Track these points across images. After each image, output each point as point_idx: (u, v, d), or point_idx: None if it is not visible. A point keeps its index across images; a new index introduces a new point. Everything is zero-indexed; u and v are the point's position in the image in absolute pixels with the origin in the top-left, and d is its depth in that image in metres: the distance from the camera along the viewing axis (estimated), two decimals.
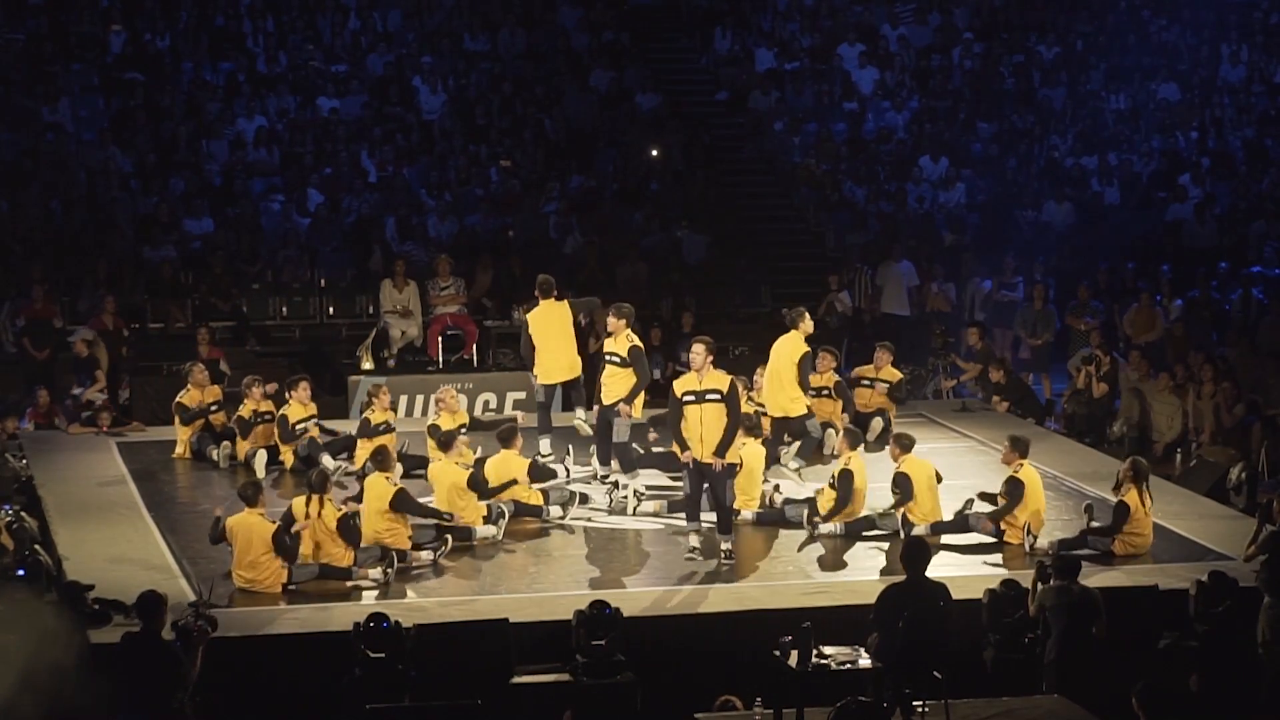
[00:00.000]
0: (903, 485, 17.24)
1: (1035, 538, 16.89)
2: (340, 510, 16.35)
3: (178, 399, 20.66)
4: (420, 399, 23.60)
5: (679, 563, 16.75)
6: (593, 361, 19.92)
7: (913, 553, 13.66)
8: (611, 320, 18.74)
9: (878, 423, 20.57)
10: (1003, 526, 17.12)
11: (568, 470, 19.03)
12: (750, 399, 19.74)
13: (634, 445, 18.95)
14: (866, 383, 21.12)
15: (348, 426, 20.62)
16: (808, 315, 19.38)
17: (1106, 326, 25.72)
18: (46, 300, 24.77)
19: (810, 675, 13.19)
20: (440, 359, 24.94)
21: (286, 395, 19.94)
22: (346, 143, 29.19)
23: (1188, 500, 19.20)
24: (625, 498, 18.40)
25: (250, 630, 14.84)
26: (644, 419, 19.37)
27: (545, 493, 18.17)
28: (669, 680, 14.65)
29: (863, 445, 18.33)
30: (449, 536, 16.96)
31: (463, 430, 18.80)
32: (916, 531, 16.98)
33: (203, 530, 17.58)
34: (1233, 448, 21.03)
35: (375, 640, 14.13)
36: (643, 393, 18.68)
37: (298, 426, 19.65)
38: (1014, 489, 17.02)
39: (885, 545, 17.17)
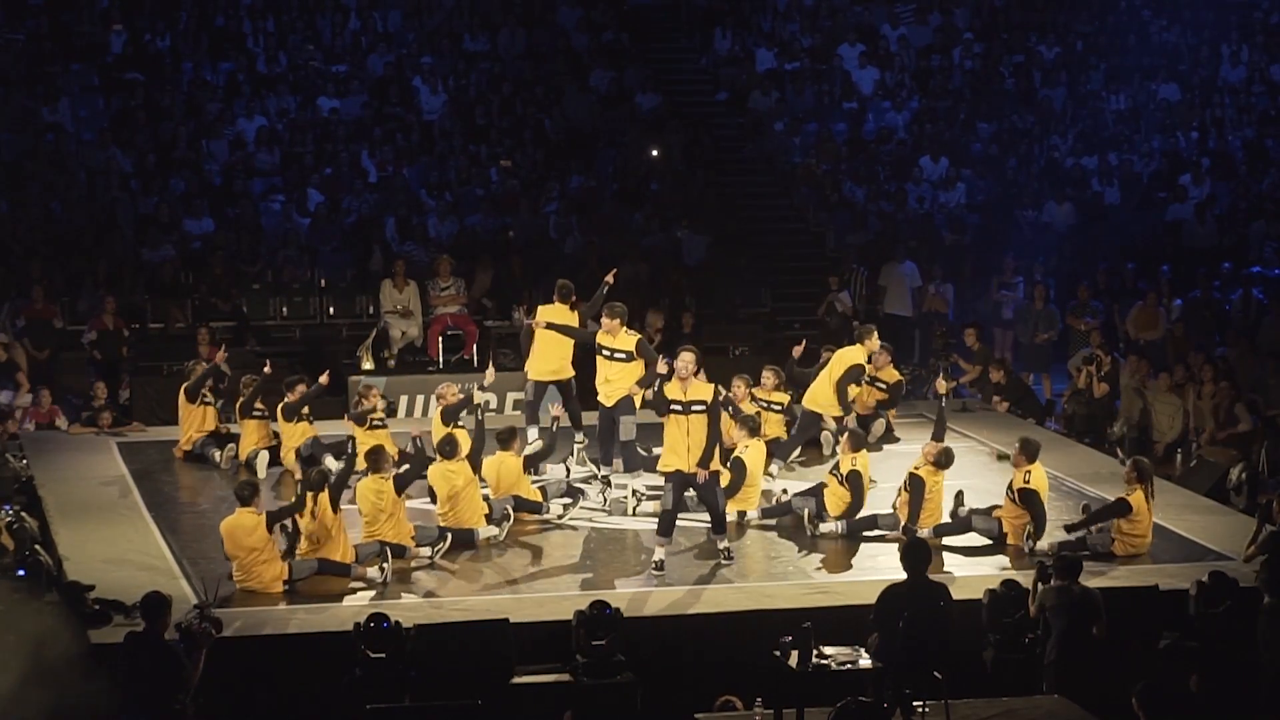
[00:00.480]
0: (915, 488, 17.29)
1: (1035, 542, 16.88)
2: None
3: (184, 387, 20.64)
4: (420, 399, 23.61)
5: (680, 563, 16.76)
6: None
7: (913, 553, 13.66)
8: (605, 320, 18.81)
9: (880, 425, 20.58)
10: (1005, 528, 17.14)
11: (568, 469, 19.06)
12: (753, 396, 19.79)
13: (639, 446, 18.95)
14: (865, 381, 21.13)
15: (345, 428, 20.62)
16: (875, 333, 20.11)
17: (1106, 326, 25.73)
18: (46, 300, 24.79)
19: (810, 675, 13.19)
20: (440, 359, 24.93)
21: (285, 395, 19.91)
22: (347, 143, 29.20)
23: (1188, 500, 19.21)
24: (624, 498, 18.44)
25: (251, 630, 14.85)
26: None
27: (544, 489, 18.16)
28: (669, 680, 14.66)
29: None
30: (449, 534, 16.97)
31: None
32: (921, 534, 17.00)
33: (203, 530, 17.62)
34: (1233, 448, 21.03)
35: (376, 640, 14.14)
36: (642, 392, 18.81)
37: (303, 410, 19.62)
38: (1030, 500, 17.01)
39: (887, 545, 17.18)
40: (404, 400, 23.47)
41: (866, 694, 12.93)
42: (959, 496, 17.67)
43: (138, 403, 23.54)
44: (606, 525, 18.01)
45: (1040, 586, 14.59)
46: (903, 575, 13.66)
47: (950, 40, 32.96)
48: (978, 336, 24.68)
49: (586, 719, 14.18)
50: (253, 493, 16.10)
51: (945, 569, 16.32)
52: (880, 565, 16.62)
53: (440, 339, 25.08)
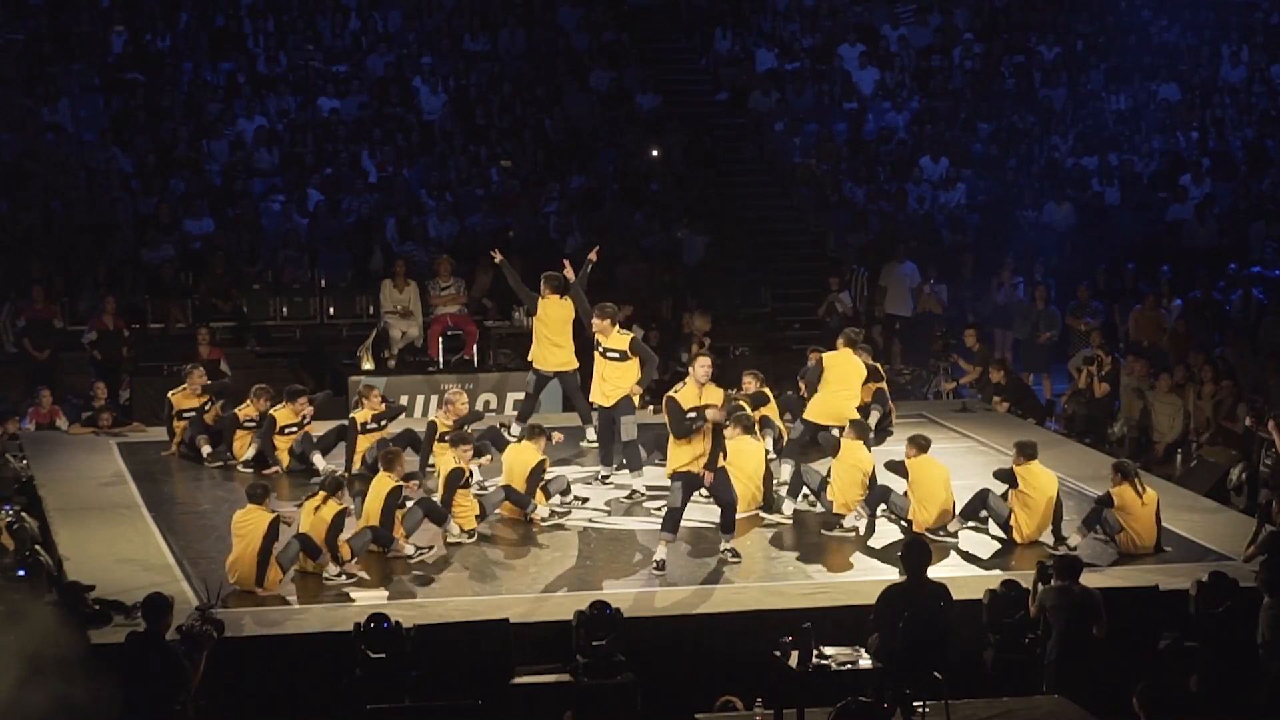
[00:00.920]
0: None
1: (1064, 540, 17.02)
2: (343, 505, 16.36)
3: (170, 394, 20.70)
4: (421, 399, 23.62)
5: (680, 563, 16.75)
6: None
7: (913, 553, 13.66)
8: (596, 321, 18.85)
9: (875, 411, 20.50)
10: (1012, 523, 17.18)
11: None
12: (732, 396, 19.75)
13: (641, 445, 18.95)
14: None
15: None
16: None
17: (1107, 326, 25.74)
18: (47, 301, 24.80)
19: (811, 676, 13.18)
20: (441, 359, 24.93)
21: (283, 401, 19.91)
22: (347, 143, 29.21)
23: (1188, 500, 19.21)
24: (627, 498, 18.48)
25: (251, 631, 14.85)
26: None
27: (546, 487, 18.12)
28: (669, 681, 14.66)
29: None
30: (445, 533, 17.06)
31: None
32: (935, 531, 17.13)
33: (203, 530, 17.63)
34: (1233, 448, 21.03)
35: (375, 640, 14.14)
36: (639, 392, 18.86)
37: (286, 429, 19.65)
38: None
39: (887, 545, 17.20)
40: (404, 400, 23.46)
41: (867, 694, 12.92)
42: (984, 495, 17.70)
43: (138, 403, 23.55)
44: (606, 525, 18.01)
45: (1040, 587, 14.58)
46: (903, 575, 13.68)
47: (950, 40, 32.97)
48: (978, 337, 24.68)
49: (587, 719, 14.18)
50: (264, 493, 16.13)
51: (946, 569, 16.32)
52: (880, 565, 16.62)
53: (440, 339, 25.07)
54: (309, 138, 29.24)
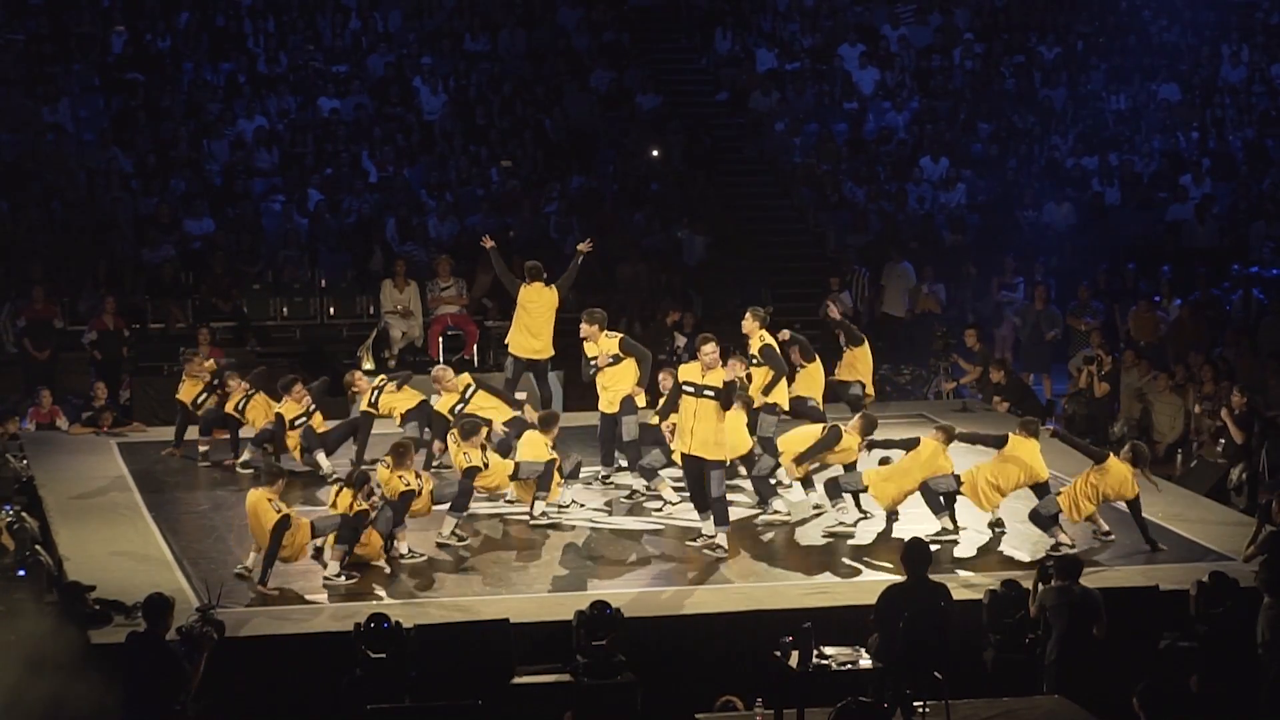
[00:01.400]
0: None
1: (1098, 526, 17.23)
2: (363, 506, 16.34)
3: (178, 396, 20.66)
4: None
5: (680, 563, 16.76)
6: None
7: (913, 553, 13.66)
8: (585, 327, 18.94)
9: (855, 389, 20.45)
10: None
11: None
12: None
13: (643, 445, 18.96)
14: None
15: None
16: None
17: (1107, 326, 25.74)
18: (47, 301, 24.80)
19: (811, 676, 13.18)
20: (441, 359, 24.92)
21: (281, 397, 19.89)
22: (347, 143, 29.21)
23: (1188, 500, 19.21)
24: (627, 498, 18.49)
25: (251, 631, 14.84)
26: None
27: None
28: (670, 681, 14.66)
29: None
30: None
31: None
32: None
33: (204, 530, 17.62)
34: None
35: (376, 640, 14.14)
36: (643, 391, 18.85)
37: (296, 421, 19.59)
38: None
39: (888, 544, 17.20)
40: None
41: (867, 694, 12.93)
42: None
43: (138, 403, 23.55)
44: (607, 525, 18.01)
45: (1040, 587, 14.59)
46: (903, 575, 13.68)
47: (950, 40, 32.97)
48: (978, 337, 24.67)
49: (587, 719, 14.18)
50: (276, 477, 16.20)
51: (945, 569, 16.32)
52: (880, 565, 16.61)
53: (441, 339, 25.08)
54: (309, 138, 29.24)
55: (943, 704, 13.08)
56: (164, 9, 30.57)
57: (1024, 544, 17.30)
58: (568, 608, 14.96)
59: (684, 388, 16.86)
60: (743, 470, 18.35)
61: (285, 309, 26.41)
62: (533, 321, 19.81)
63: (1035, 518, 17.17)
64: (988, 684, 14.41)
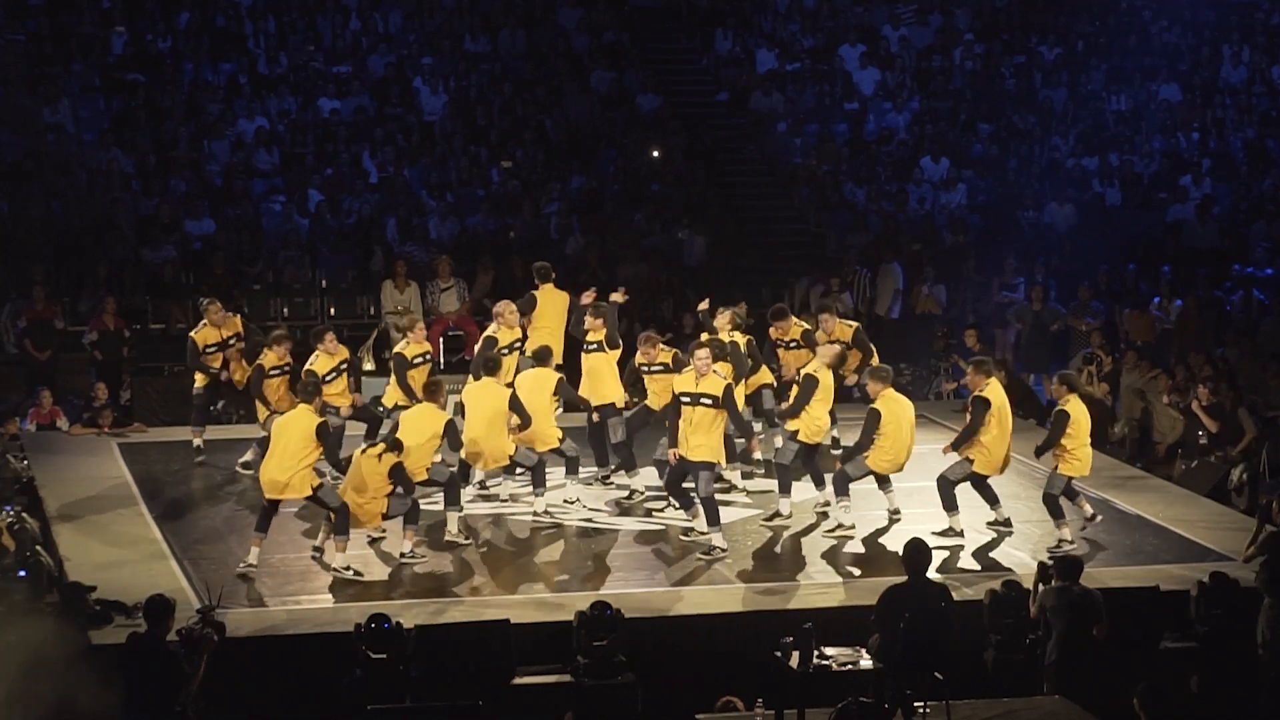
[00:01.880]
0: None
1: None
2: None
3: (191, 334, 20.24)
4: None
5: (680, 563, 16.77)
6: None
7: (914, 554, 13.67)
8: (589, 320, 19.03)
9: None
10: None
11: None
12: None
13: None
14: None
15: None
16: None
17: (1108, 327, 25.74)
18: (48, 301, 24.79)
19: (811, 676, 13.19)
20: (441, 359, 24.93)
21: (314, 348, 19.59)
22: (347, 143, 29.21)
23: (1188, 501, 19.22)
24: (626, 498, 18.51)
25: (251, 631, 14.85)
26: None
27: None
28: (670, 681, 14.66)
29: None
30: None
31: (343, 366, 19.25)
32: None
33: (205, 531, 17.63)
34: (1232, 448, 21.03)
35: (376, 641, 14.14)
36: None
37: (328, 376, 19.22)
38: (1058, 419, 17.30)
39: (887, 546, 17.20)
40: None
41: (867, 695, 12.93)
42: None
43: (139, 403, 23.55)
44: (606, 525, 18.00)
45: (1041, 587, 14.59)
46: (904, 576, 13.68)
47: (951, 41, 32.97)
48: (978, 337, 24.66)
49: (587, 719, 14.18)
50: (315, 392, 16.73)
51: (946, 569, 16.33)
52: (881, 565, 16.61)
53: (441, 340, 25.08)
54: (309, 138, 29.25)
55: (943, 704, 13.09)
56: (164, 9, 30.56)
57: (1024, 544, 17.31)
58: (568, 608, 14.97)
59: (680, 398, 16.97)
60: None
61: (286, 309, 26.40)
62: (546, 323, 19.79)
63: (1047, 500, 17.32)
64: (988, 684, 14.41)
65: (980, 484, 17.45)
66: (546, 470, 18.16)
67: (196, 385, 20.16)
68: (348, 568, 16.15)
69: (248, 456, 19.75)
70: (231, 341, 20.14)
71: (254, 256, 26.93)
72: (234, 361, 20.06)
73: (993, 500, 17.58)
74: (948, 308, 27.12)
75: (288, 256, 26.80)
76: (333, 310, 26.43)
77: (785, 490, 17.95)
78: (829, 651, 13.34)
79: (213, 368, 19.95)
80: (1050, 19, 33.75)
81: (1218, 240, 29.36)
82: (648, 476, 18.91)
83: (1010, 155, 31.07)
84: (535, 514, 17.90)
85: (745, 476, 19.05)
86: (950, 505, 17.34)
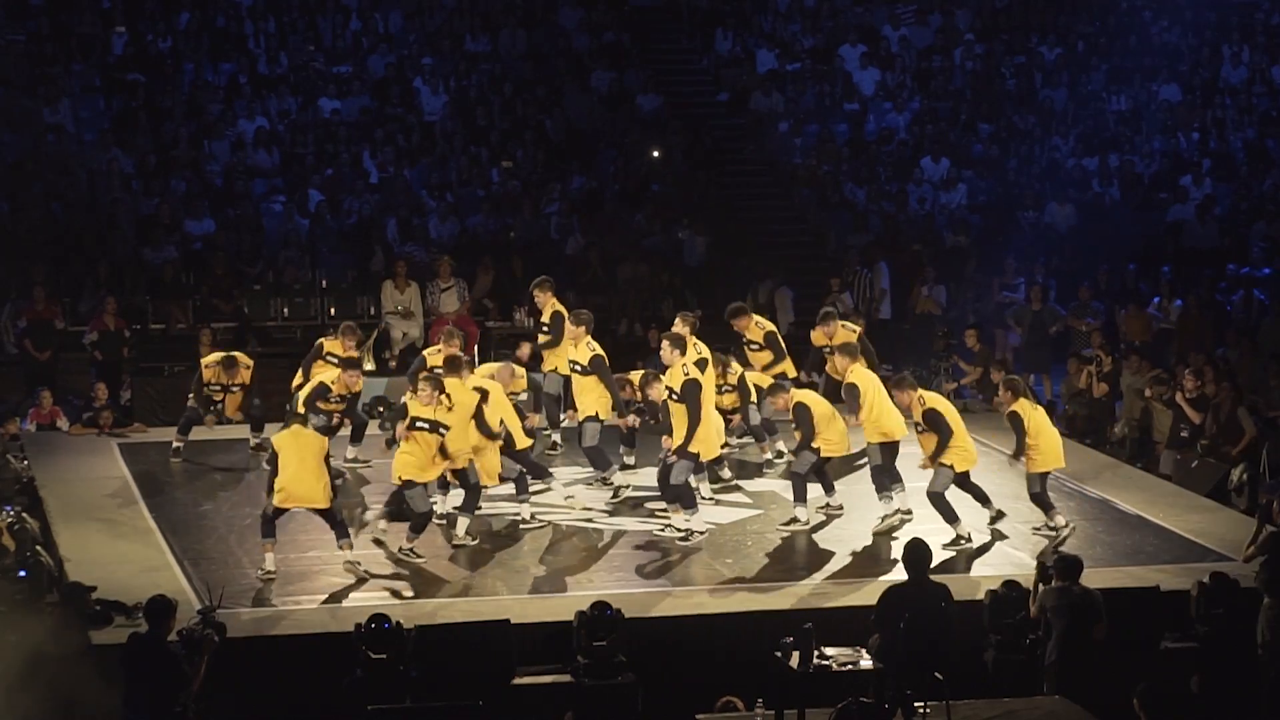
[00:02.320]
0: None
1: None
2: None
3: (202, 363, 20.58)
4: None
5: (680, 564, 16.77)
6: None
7: (914, 554, 13.67)
8: (570, 327, 18.91)
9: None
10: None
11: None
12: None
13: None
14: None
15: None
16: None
17: (1108, 327, 25.75)
18: (48, 301, 24.80)
19: (811, 676, 13.18)
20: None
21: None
22: (348, 144, 29.21)
23: (1188, 500, 19.22)
24: (613, 497, 18.55)
25: (251, 631, 14.85)
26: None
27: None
28: (670, 681, 14.67)
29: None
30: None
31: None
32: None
33: (205, 531, 17.63)
34: (1232, 448, 21.02)
35: (376, 641, 14.14)
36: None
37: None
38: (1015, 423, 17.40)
39: (888, 545, 17.21)
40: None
41: (868, 695, 12.93)
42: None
43: (139, 403, 23.55)
44: (607, 526, 18.00)
45: (1041, 587, 14.59)
46: (904, 576, 13.68)
47: (951, 41, 32.97)
48: (978, 338, 24.68)
49: (587, 719, 14.19)
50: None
51: (946, 570, 16.32)
52: (881, 565, 16.61)
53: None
54: (310, 138, 29.25)
55: (943, 704, 13.08)
56: (164, 9, 30.57)
57: (1024, 544, 17.31)
58: (568, 608, 14.97)
59: (668, 398, 17.23)
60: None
61: (286, 309, 26.41)
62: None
63: (1034, 499, 17.46)
64: (988, 684, 14.41)
65: (965, 483, 17.44)
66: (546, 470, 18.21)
67: (191, 401, 20.34)
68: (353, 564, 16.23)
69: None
70: (234, 389, 20.27)
71: (254, 257, 26.92)
72: (230, 398, 20.36)
73: (983, 499, 17.58)
74: (948, 308, 27.13)
75: (288, 257, 26.81)
76: (333, 310, 26.40)
77: (801, 498, 17.77)
78: (829, 651, 13.33)
79: (214, 401, 20.28)
80: (1050, 19, 33.75)
81: (1218, 240, 29.36)
82: (643, 476, 18.93)
83: (1010, 155, 31.07)
84: (522, 522, 17.83)
85: (713, 481, 18.90)
86: (951, 516, 17.31)
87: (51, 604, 15.29)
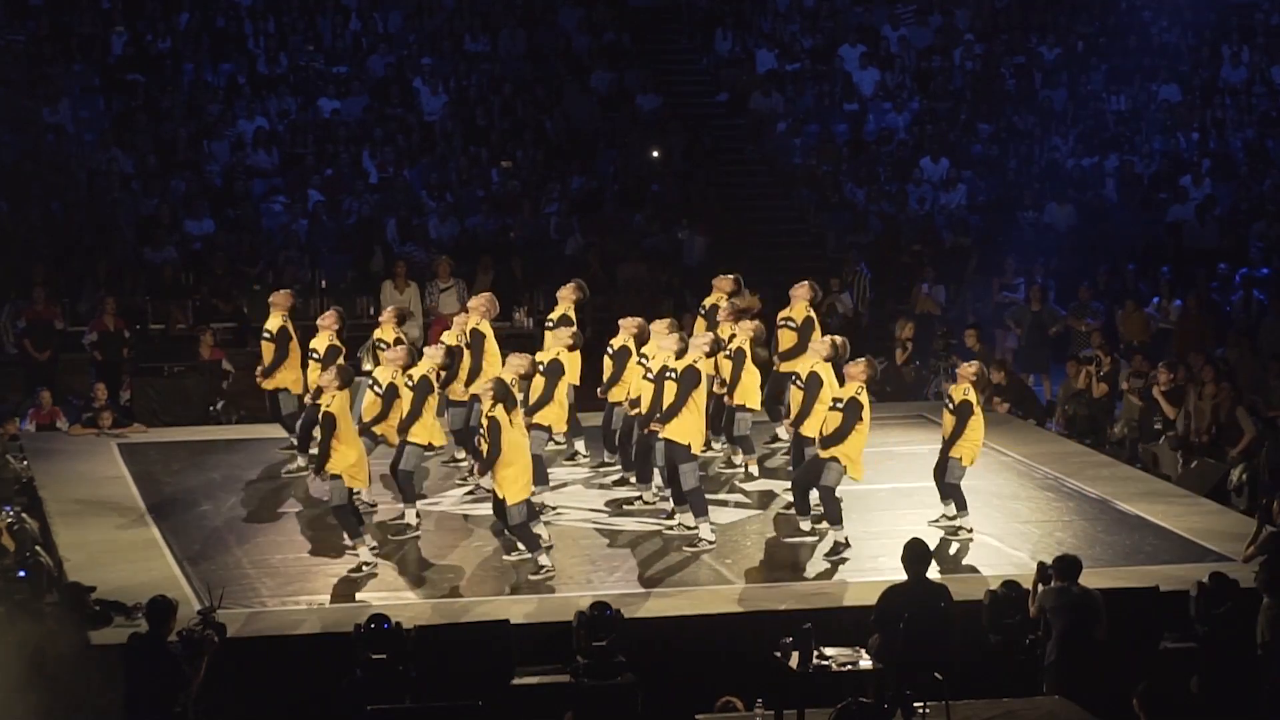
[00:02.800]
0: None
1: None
2: None
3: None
4: None
5: (680, 564, 16.77)
6: None
7: (913, 554, 13.67)
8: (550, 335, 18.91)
9: None
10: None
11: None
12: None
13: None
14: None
15: None
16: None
17: (1108, 327, 25.75)
18: (48, 302, 24.80)
19: (811, 676, 13.19)
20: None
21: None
22: (347, 144, 29.22)
23: (1188, 500, 19.21)
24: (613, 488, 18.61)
25: (251, 631, 14.85)
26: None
27: None
28: (670, 681, 14.66)
29: None
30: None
31: None
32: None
33: (205, 532, 17.62)
34: (1231, 448, 21.03)
35: (376, 641, 14.14)
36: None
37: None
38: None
39: (888, 545, 17.20)
40: None
41: (867, 695, 12.93)
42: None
43: (139, 404, 23.53)
44: (607, 526, 18.00)
45: (1040, 587, 14.58)
46: (903, 575, 13.68)
47: (951, 41, 32.97)
48: (978, 337, 24.67)
49: None
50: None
51: (946, 569, 16.33)
52: (881, 566, 16.61)
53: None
54: (309, 138, 29.26)
55: (943, 704, 13.08)
56: (164, 10, 30.58)
57: (1024, 544, 17.31)
58: (568, 608, 14.96)
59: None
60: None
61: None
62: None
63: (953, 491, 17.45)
64: (988, 684, 14.40)
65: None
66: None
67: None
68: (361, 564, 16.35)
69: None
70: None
71: (254, 257, 26.93)
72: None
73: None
74: (948, 308, 27.13)
75: (288, 257, 26.81)
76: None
77: (837, 520, 17.16)
78: (829, 651, 13.33)
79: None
80: (1050, 19, 33.75)
81: (1218, 240, 29.37)
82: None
83: (1010, 155, 31.08)
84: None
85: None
86: (962, 505, 17.37)
87: (51, 604, 15.28)
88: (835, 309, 26.50)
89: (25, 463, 19.76)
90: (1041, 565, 14.82)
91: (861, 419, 16.76)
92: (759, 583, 16.39)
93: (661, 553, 17.16)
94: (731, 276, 20.05)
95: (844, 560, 16.85)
